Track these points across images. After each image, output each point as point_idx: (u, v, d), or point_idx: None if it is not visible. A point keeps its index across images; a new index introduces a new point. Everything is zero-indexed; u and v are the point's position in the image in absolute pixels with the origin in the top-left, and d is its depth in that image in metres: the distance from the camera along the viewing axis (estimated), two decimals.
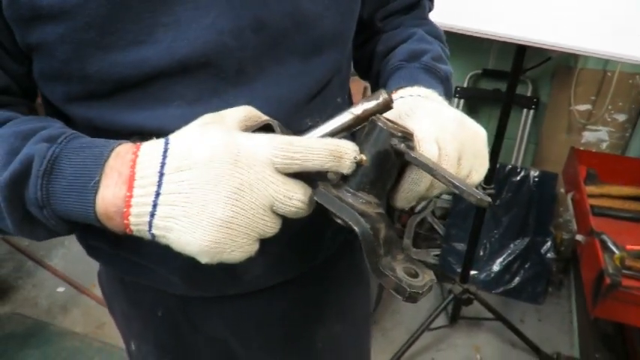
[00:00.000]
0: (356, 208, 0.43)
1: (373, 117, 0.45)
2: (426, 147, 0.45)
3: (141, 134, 0.47)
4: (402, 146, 0.43)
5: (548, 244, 2.07)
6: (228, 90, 0.53)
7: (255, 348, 0.76)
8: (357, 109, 0.45)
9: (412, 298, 0.41)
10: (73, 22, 0.45)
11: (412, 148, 0.45)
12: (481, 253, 2.15)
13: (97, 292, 2.08)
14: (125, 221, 0.41)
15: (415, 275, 0.43)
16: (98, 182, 0.42)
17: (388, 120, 0.45)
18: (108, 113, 0.52)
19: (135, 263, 0.63)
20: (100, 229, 0.44)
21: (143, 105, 0.51)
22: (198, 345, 0.75)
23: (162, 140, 0.43)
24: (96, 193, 0.42)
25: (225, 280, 0.65)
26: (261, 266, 0.63)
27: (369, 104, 0.45)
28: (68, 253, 2.31)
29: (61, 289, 2.16)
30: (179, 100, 0.51)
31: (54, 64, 0.49)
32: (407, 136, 0.44)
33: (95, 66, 0.48)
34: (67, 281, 2.17)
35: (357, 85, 1.81)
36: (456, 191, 0.42)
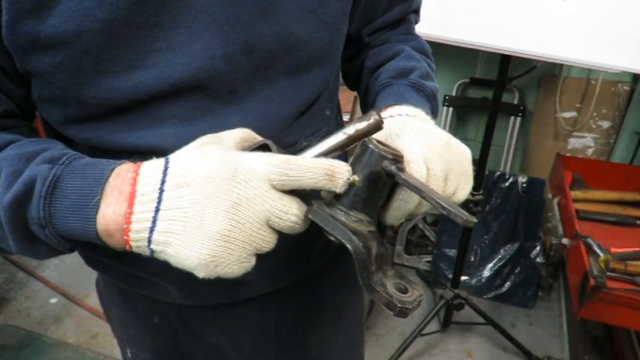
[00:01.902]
0: (348, 227, 0.44)
1: (365, 140, 0.47)
2: (415, 168, 0.47)
3: (137, 153, 0.48)
4: (393, 168, 0.45)
5: (538, 248, 2.10)
6: (220, 109, 0.54)
7: (250, 354, 0.77)
8: (350, 130, 0.47)
9: (402, 313, 0.43)
10: (70, 51, 0.46)
11: (402, 169, 0.46)
12: (472, 259, 2.17)
13: (90, 302, 2.10)
14: (125, 237, 0.42)
15: (405, 291, 0.45)
16: (99, 201, 0.42)
17: (379, 142, 0.47)
18: (104, 134, 0.53)
19: (133, 275, 0.64)
20: (91, 244, 0.45)
21: (138, 125, 0.53)
22: (194, 351, 0.76)
23: (162, 159, 0.44)
24: (97, 211, 0.43)
25: (220, 290, 0.67)
26: (254, 278, 0.65)
27: (361, 125, 0.47)
28: (61, 264, 2.30)
29: (53, 300, 2.15)
30: (173, 120, 0.53)
31: (51, 89, 0.50)
32: (397, 158, 0.46)
33: (92, 91, 0.49)
34: (59, 292, 2.16)
35: (348, 94, 1.84)
36: (444, 212, 0.44)
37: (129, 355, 0.81)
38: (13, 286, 2.23)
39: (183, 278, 0.61)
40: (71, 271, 2.24)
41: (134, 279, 0.65)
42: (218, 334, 0.74)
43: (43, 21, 0.45)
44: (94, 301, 2.10)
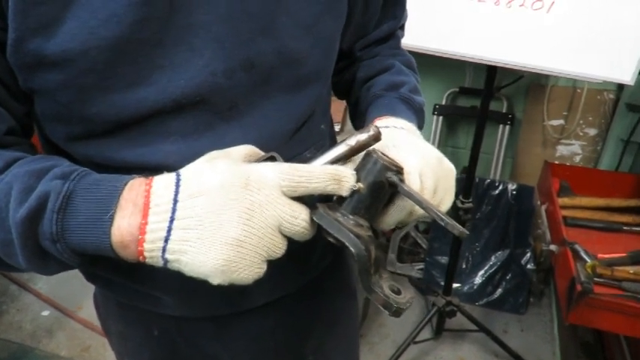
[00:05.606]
0: (352, 231, 0.47)
1: (369, 150, 0.50)
2: (412, 180, 0.51)
3: (141, 169, 0.49)
4: (396, 179, 0.49)
5: (528, 255, 2.12)
6: (221, 125, 0.56)
7: None
8: (352, 141, 0.51)
9: (397, 312, 0.47)
10: (74, 68, 0.47)
11: (402, 181, 0.50)
12: (463, 266, 2.19)
13: (82, 314, 2.09)
14: (139, 248, 0.43)
15: (398, 292, 0.48)
16: (114, 215, 0.43)
17: (383, 154, 0.50)
18: (108, 151, 0.54)
19: (132, 288, 0.65)
20: (97, 257, 0.46)
21: (141, 141, 0.54)
22: None
23: (173, 173, 0.45)
24: (112, 224, 0.43)
25: (220, 302, 0.67)
26: (253, 288, 0.66)
27: (362, 136, 0.51)
28: (52, 277, 2.28)
29: (45, 313, 2.14)
30: (175, 136, 0.54)
31: (55, 106, 0.51)
32: (398, 170, 0.50)
33: (95, 107, 0.51)
34: (51, 305, 2.15)
35: (338, 104, 1.86)
36: (441, 223, 0.47)
37: None
38: (4, 299, 2.21)
39: (183, 291, 0.62)
40: (63, 283, 2.23)
41: (134, 293, 0.65)
42: (217, 345, 0.75)
43: (49, 39, 0.46)
44: (86, 313, 2.09)
